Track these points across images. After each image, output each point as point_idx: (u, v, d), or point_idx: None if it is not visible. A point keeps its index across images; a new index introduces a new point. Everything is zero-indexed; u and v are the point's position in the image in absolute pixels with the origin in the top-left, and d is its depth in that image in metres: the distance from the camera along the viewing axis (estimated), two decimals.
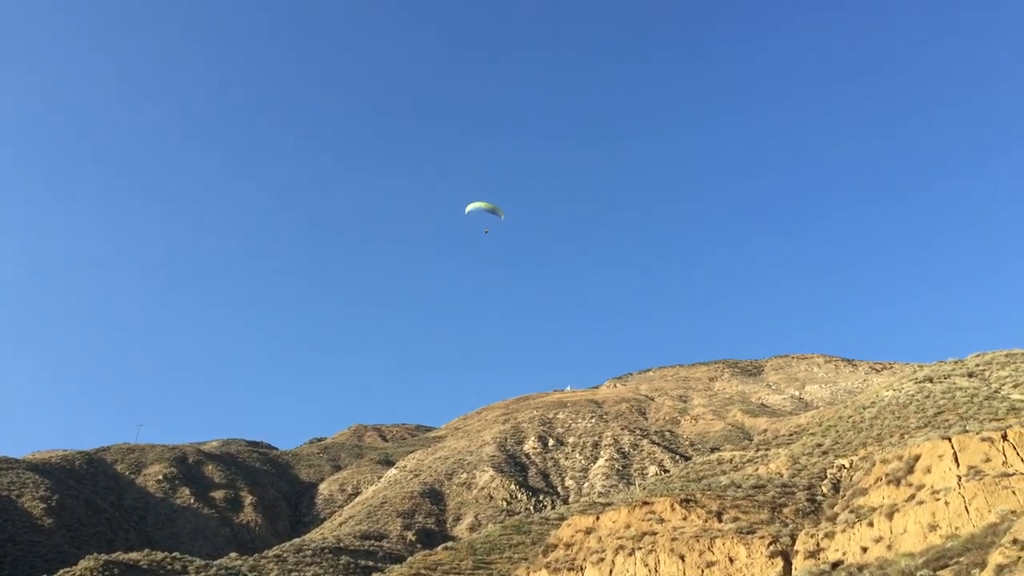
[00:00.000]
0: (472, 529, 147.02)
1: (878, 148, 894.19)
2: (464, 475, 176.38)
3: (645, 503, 69.01)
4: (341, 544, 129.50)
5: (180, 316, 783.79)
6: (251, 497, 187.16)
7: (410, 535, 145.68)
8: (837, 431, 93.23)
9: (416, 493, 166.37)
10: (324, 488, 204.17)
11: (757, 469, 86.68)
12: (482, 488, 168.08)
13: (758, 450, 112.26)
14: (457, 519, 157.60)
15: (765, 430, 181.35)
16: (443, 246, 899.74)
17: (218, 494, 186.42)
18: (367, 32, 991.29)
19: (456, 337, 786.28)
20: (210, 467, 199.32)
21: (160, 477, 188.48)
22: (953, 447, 59.28)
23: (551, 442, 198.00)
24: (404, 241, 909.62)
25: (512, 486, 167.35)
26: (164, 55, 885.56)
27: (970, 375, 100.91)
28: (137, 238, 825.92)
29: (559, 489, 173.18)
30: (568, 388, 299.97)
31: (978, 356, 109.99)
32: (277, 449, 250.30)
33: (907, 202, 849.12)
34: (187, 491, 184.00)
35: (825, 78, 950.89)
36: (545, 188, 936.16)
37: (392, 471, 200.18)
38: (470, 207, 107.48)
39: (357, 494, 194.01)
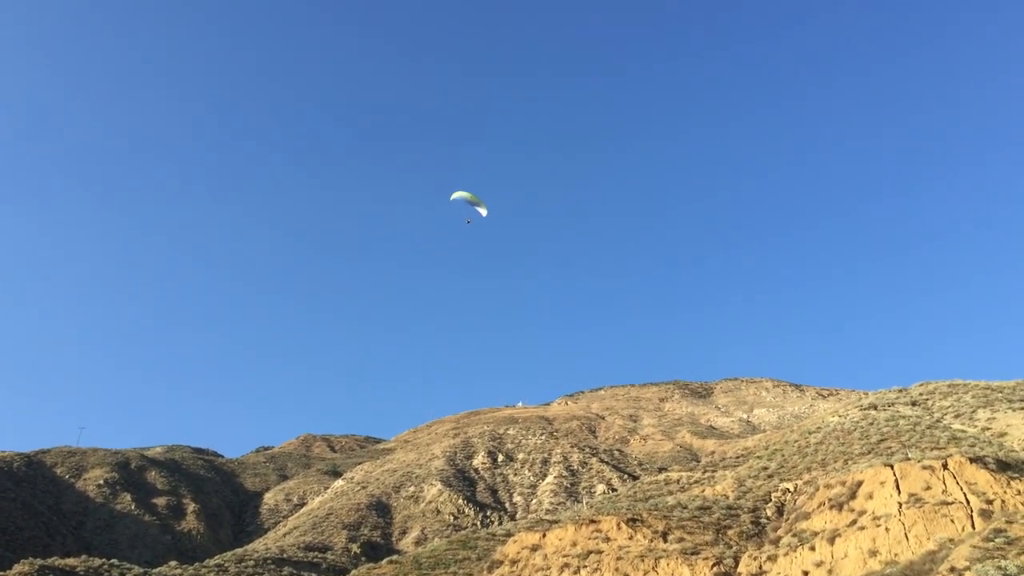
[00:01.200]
0: (418, 543, 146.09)
1: (827, 172, 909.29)
2: (412, 488, 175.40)
3: (592, 521, 69.25)
4: (284, 555, 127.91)
5: (128, 319, 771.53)
6: (194, 505, 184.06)
7: (355, 547, 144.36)
8: (783, 455, 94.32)
9: (363, 505, 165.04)
10: (269, 497, 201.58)
11: (704, 490, 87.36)
12: (430, 502, 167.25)
13: (705, 472, 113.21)
14: (403, 532, 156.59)
15: (713, 452, 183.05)
16: (399, 257, 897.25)
17: (160, 501, 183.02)
18: (341, 41, 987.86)
19: (410, 349, 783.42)
20: (153, 473, 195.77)
21: (101, 482, 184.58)
22: (895, 474, 60.35)
23: (500, 458, 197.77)
24: (358, 251, 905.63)
25: (460, 501, 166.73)
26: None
27: (914, 404, 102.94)
28: (83, 238, 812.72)
29: (507, 505, 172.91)
30: (520, 404, 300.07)
31: (922, 385, 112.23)
32: (223, 457, 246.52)
33: (858, 228, 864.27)
34: (128, 497, 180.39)
35: (766, 117, 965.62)
36: (505, 201, 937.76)
37: (339, 482, 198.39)
38: (455, 195, 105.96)
39: (303, 504, 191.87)
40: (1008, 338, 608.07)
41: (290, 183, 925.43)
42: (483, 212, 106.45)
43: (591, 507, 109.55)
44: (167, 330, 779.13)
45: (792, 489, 77.52)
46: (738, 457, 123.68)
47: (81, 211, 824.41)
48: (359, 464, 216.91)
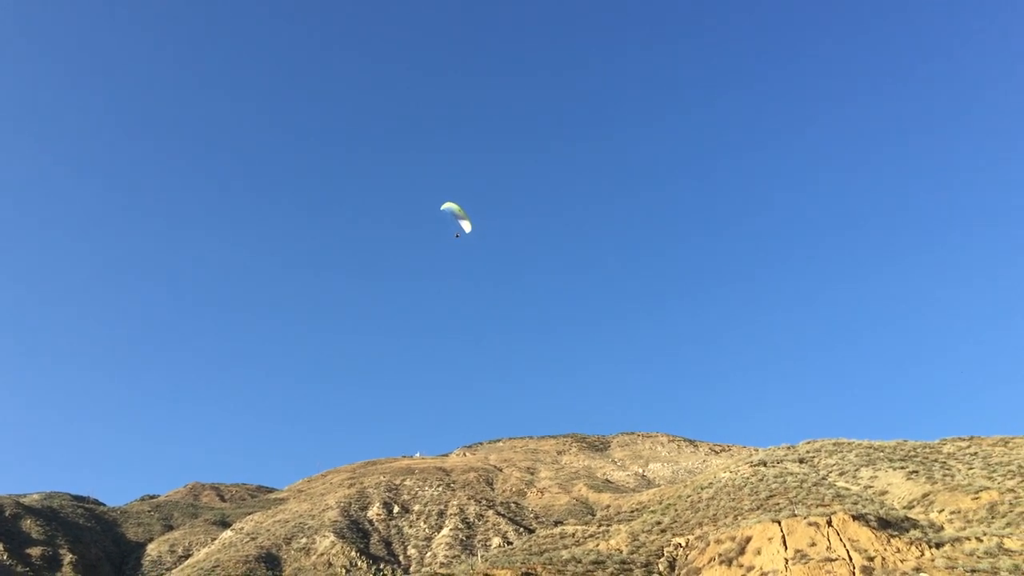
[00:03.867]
0: None
1: (724, 238, 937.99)
2: (304, 540, 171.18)
3: (486, 575, 68.87)
4: None
5: (2, 355, 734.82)
6: (71, 556, 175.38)
7: None
8: (676, 510, 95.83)
9: (251, 557, 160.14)
10: (153, 549, 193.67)
11: (598, 544, 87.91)
12: (321, 554, 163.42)
13: (600, 525, 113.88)
14: None
15: (608, 506, 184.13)
16: (294, 303, 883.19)
17: (35, 551, 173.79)
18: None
19: (306, 397, 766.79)
20: (28, 521, 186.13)
21: None
22: (782, 530, 62.08)
23: (396, 509, 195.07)
24: (251, 300, 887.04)
25: (353, 553, 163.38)
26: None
27: (801, 461, 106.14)
28: None
29: (401, 558, 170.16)
30: (418, 455, 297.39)
31: (809, 443, 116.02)
32: (105, 505, 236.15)
33: (749, 289, 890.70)
34: (0, 547, 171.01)
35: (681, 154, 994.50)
36: (410, 250, 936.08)
37: (228, 533, 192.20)
38: (445, 206, 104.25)
39: (188, 556, 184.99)
40: (891, 397, 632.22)
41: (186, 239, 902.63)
42: (467, 227, 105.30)
43: (486, 561, 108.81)
44: (47, 368, 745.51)
45: (684, 544, 78.76)
46: (633, 511, 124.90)
47: None
48: (249, 514, 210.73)
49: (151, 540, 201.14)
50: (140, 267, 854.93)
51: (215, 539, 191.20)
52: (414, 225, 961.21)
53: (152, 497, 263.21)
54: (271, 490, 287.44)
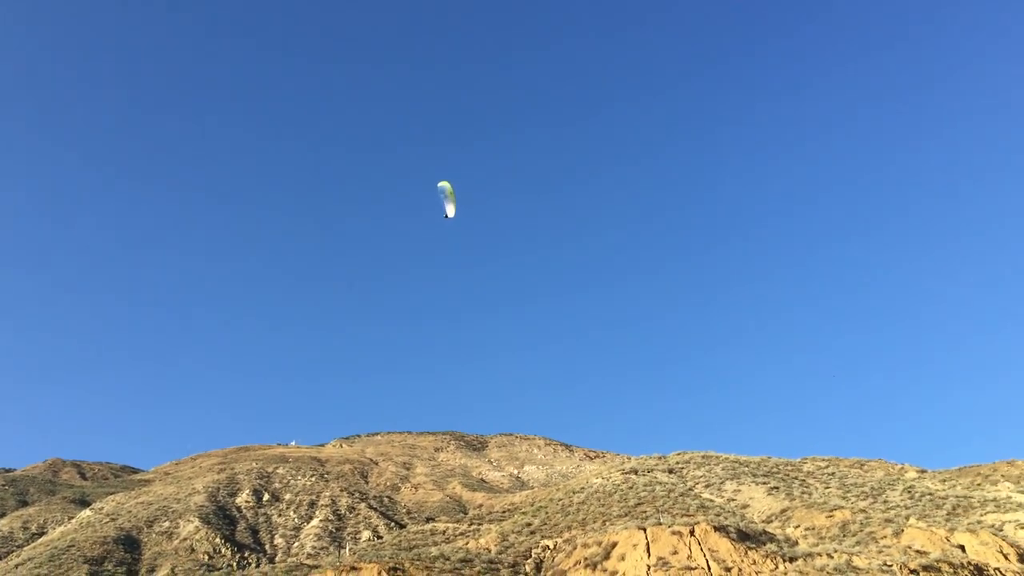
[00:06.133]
0: None
1: (624, 237, 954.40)
2: (167, 523, 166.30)
3: (353, 568, 68.54)
4: None
5: None
6: None
7: None
8: (547, 512, 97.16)
9: (110, 539, 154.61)
10: (4, 524, 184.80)
11: (468, 543, 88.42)
12: (184, 539, 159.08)
13: (471, 524, 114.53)
14: (152, 570, 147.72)
15: (481, 505, 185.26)
16: (179, 281, 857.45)
17: None
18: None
19: (179, 378, 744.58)
20: None
21: None
22: (647, 537, 63.79)
23: (266, 497, 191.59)
24: (129, 284, 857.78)
25: (217, 539, 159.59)
26: None
27: (671, 471, 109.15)
28: None
29: (267, 547, 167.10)
30: (293, 443, 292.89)
31: (679, 454, 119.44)
32: None
33: (634, 295, 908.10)
34: None
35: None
36: (300, 234, 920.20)
37: (87, 512, 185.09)
38: (442, 183, 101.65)
39: (42, 534, 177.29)
40: (755, 414, 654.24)
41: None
42: (450, 211, 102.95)
43: (354, 554, 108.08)
44: None
45: (552, 546, 79.96)
46: (505, 512, 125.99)
47: None
48: (112, 494, 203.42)
49: (3, 516, 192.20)
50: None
51: (73, 518, 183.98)
52: (300, 213, 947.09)
53: (7, 471, 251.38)
54: (137, 471, 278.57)
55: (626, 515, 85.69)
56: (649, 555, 62.66)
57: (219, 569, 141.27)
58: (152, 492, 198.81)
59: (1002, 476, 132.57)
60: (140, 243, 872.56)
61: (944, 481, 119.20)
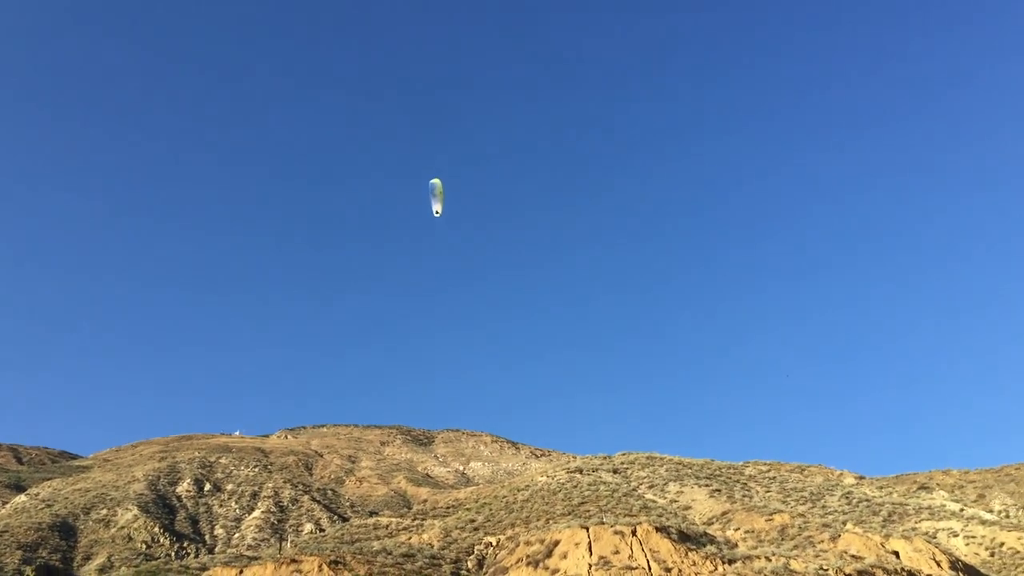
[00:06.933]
0: (103, 571, 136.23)
1: (565, 226, 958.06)
2: (104, 511, 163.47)
3: (293, 561, 68.02)
4: None
5: None
6: None
7: (29, 571, 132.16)
8: (491, 509, 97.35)
9: (45, 525, 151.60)
10: None
11: (410, 538, 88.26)
12: (122, 527, 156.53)
13: (415, 519, 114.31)
14: (87, 558, 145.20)
15: (425, 500, 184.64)
16: (124, 261, 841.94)
17: None
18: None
19: (121, 363, 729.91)
20: None
21: None
22: (589, 536, 64.21)
23: (208, 487, 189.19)
24: (78, 260, 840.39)
25: (156, 528, 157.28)
26: None
27: (615, 471, 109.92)
28: None
29: (207, 537, 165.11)
30: (237, 433, 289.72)
31: (624, 455, 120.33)
32: None
33: (584, 294, 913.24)
34: None
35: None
36: (252, 221, 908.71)
37: (22, 498, 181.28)
38: (435, 180, 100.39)
39: None
40: (701, 417, 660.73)
41: None
42: (437, 209, 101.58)
43: (295, 546, 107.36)
44: None
45: (495, 543, 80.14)
46: (449, 507, 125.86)
47: None
48: (48, 480, 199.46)
49: None
50: None
51: (7, 503, 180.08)
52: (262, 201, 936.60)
53: None
54: (75, 457, 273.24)
55: (570, 514, 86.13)
56: (591, 554, 63.08)
57: (157, 559, 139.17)
58: (90, 479, 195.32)
59: (937, 484, 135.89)
60: (76, 221, 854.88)
61: (881, 488, 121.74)
